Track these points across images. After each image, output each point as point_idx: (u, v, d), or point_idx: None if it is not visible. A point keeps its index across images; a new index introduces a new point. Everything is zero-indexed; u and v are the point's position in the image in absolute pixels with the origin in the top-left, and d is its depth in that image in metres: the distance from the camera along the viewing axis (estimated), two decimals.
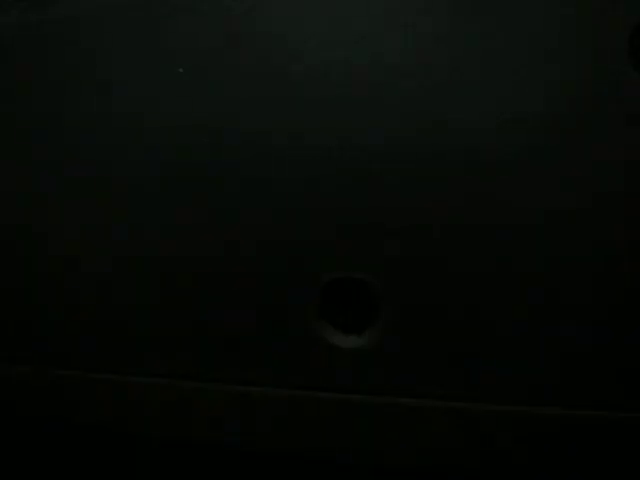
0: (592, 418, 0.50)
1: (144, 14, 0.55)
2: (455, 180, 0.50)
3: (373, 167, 0.51)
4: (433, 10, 0.50)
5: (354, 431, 0.55)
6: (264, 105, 0.53)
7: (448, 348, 0.52)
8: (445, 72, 0.50)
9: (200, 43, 0.54)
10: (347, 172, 0.52)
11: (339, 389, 0.54)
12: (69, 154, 0.58)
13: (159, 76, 0.55)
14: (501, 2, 0.49)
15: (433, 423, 0.53)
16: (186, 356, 0.57)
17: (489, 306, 0.51)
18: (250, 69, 0.53)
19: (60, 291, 0.60)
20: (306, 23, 0.52)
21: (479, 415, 0.52)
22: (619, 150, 0.48)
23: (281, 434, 0.56)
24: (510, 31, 0.49)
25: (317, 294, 0.53)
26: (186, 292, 0.56)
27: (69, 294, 0.60)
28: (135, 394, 0.59)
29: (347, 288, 0.53)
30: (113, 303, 0.58)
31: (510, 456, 0.52)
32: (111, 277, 0.58)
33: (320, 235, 0.53)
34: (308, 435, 0.56)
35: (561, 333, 0.50)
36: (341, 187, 0.52)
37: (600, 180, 0.49)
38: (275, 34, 0.53)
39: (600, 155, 0.48)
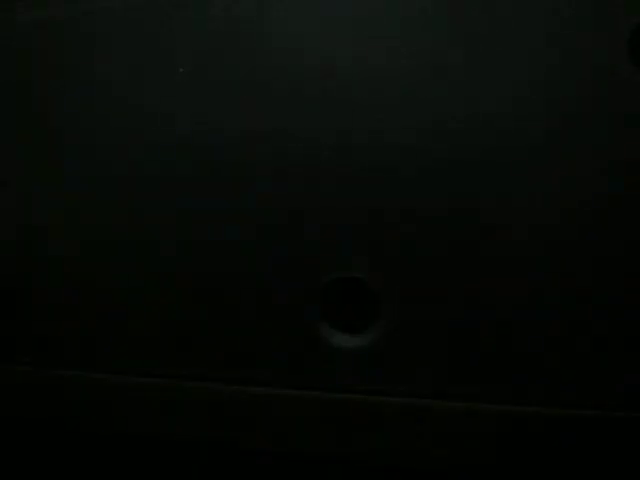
0: (592, 418, 0.50)
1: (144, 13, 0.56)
2: (455, 179, 0.50)
3: (373, 166, 0.51)
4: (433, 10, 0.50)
5: (354, 431, 0.55)
6: (261, 105, 0.53)
7: (449, 348, 0.52)
8: (441, 73, 0.50)
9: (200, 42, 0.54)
10: (347, 172, 0.52)
11: (339, 389, 0.54)
12: (68, 153, 0.58)
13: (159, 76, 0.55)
14: (500, 2, 0.49)
15: (434, 423, 0.53)
16: (186, 356, 0.57)
17: (490, 306, 0.51)
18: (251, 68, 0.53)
19: (59, 291, 0.60)
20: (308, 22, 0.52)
21: (480, 415, 0.52)
22: (619, 150, 0.48)
23: (281, 434, 0.56)
24: (509, 31, 0.49)
25: (317, 294, 0.53)
26: (185, 291, 0.56)
27: (68, 293, 0.60)
28: (135, 394, 0.59)
29: (347, 288, 0.53)
30: (113, 302, 0.58)
31: (510, 456, 0.52)
32: (110, 276, 0.58)
33: (320, 235, 0.53)
34: (308, 435, 0.56)
35: (562, 333, 0.50)
36: (341, 187, 0.52)
37: (600, 180, 0.49)
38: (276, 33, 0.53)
39: (600, 155, 0.48)
